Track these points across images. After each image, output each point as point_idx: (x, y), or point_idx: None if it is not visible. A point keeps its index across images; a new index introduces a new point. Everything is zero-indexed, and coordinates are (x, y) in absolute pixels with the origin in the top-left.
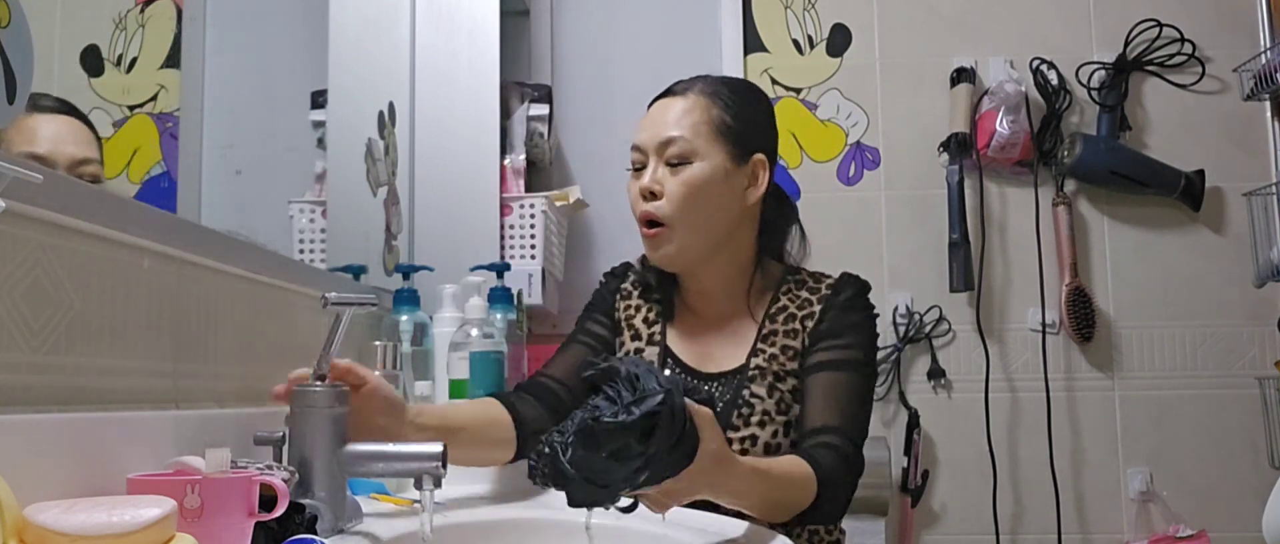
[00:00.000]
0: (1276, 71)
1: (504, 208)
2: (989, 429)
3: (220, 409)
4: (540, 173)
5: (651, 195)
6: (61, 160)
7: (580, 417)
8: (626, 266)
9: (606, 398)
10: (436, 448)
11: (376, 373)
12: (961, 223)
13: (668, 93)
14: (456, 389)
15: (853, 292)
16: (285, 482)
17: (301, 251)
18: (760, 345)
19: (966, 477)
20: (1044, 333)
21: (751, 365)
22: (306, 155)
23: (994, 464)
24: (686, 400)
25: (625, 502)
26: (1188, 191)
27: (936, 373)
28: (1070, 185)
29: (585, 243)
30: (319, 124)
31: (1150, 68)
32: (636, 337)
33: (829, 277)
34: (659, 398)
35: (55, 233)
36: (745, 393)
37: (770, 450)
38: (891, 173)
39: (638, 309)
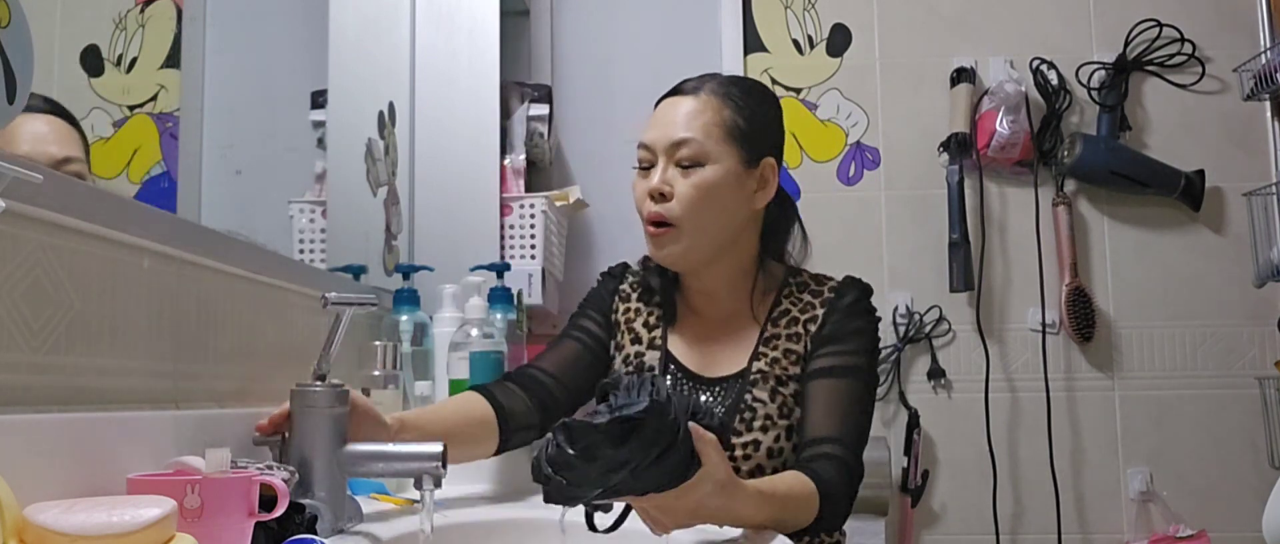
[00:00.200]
0: (1276, 71)
1: (504, 208)
2: (989, 429)
3: (220, 409)
4: (540, 173)
5: (661, 197)
6: (43, 161)
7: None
8: (624, 267)
9: (606, 405)
10: (436, 448)
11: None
12: (961, 223)
13: (677, 91)
14: (456, 389)
15: (855, 296)
16: (285, 482)
17: (301, 252)
18: (762, 349)
19: (966, 477)
20: (1044, 333)
21: (753, 370)
22: (306, 155)
23: (994, 464)
24: (692, 424)
25: (611, 517)
26: (1188, 191)
27: (936, 373)
28: (1070, 185)
29: (585, 243)
30: (319, 124)
31: (1150, 68)
32: (636, 340)
33: (831, 279)
34: (641, 407)
35: (55, 233)
36: (747, 397)
37: (773, 455)
38: (891, 173)
39: (637, 313)
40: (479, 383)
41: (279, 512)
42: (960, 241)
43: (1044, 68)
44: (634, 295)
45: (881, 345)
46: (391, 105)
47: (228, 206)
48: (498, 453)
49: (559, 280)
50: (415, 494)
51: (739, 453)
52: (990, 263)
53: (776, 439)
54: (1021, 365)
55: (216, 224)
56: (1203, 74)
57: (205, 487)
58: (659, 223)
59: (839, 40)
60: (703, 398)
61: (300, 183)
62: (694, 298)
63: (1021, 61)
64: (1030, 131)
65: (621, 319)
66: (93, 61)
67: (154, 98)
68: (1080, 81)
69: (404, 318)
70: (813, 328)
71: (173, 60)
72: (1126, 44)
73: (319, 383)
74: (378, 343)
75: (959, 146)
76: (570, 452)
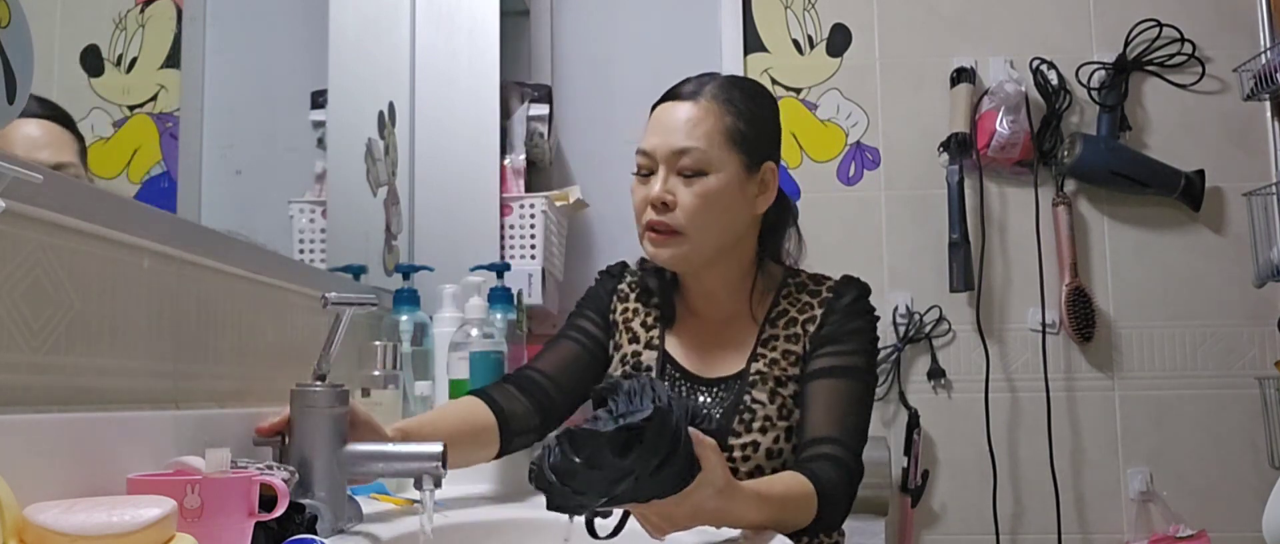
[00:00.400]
0: (1276, 71)
1: (504, 208)
2: (989, 429)
3: (220, 409)
4: (540, 173)
5: (664, 206)
6: None
7: (567, 424)
8: (623, 267)
9: (606, 411)
10: (436, 448)
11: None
12: (961, 223)
13: (675, 95)
14: (456, 389)
15: (854, 296)
16: (285, 482)
17: (301, 252)
18: (761, 350)
19: (966, 477)
20: (1044, 333)
21: (752, 370)
22: (306, 155)
23: (994, 464)
24: (692, 430)
25: (612, 522)
26: (1188, 191)
27: (936, 373)
28: (1070, 185)
29: (585, 243)
30: (319, 124)
31: (1150, 68)
32: (634, 340)
33: (829, 279)
34: (644, 415)
35: (55, 233)
36: (746, 398)
37: (772, 456)
38: (891, 173)
39: (635, 312)
40: (478, 386)
41: (279, 512)
42: (960, 241)
43: (1044, 68)
44: (632, 295)
45: (881, 345)
46: (391, 105)
47: (228, 206)
48: (498, 457)
49: (559, 280)
50: (415, 494)
51: (738, 454)
52: (990, 263)
53: (776, 440)
54: (1021, 365)
55: (216, 224)
56: (1203, 74)
57: (205, 487)
58: (661, 230)
59: (839, 40)
60: (702, 398)
61: (300, 183)
62: (693, 299)
63: (1021, 61)
64: (1030, 131)
65: (619, 319)
66: (93, 61)
67: (154, 98)
68: (1080, 81)
69: (404, 318)
70: (811, 328)
71: (173, 60)
72: (1126, 44)
73: (319, 383)
74: (378, 343)
75: (959, 146)
76: (575, 460)
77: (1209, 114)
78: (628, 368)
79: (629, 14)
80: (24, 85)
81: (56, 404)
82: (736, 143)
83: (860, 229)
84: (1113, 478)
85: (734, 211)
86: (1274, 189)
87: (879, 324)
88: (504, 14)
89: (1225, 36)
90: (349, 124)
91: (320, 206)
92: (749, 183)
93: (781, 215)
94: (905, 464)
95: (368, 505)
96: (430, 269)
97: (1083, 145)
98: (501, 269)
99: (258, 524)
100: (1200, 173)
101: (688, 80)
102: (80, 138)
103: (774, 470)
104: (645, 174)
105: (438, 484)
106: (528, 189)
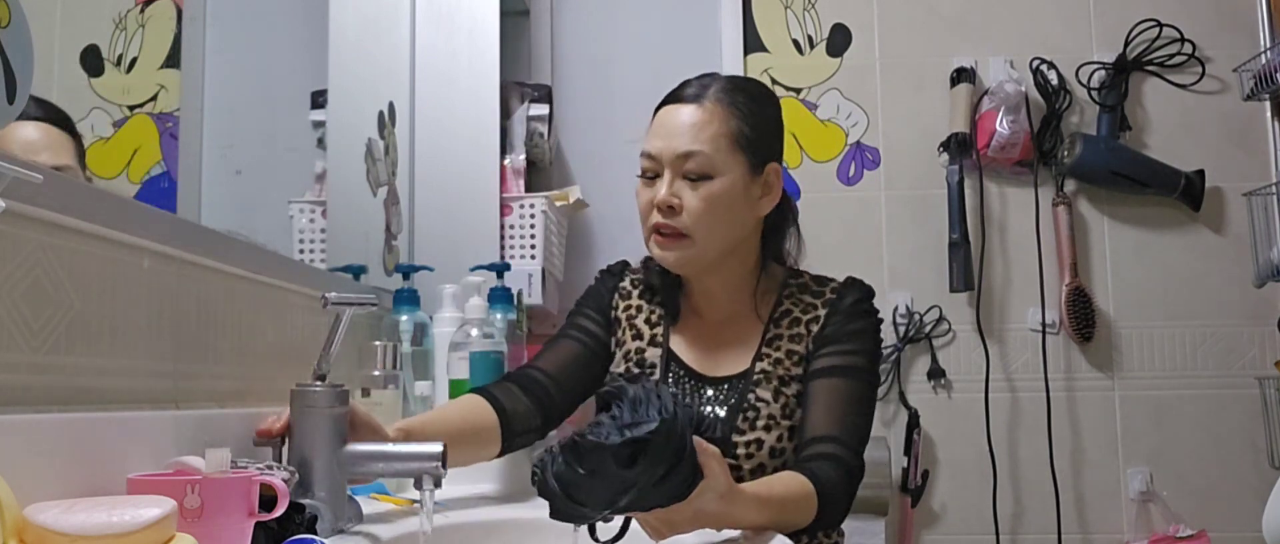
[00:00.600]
0: (1276, 71)
1: (504, 208)
2: (989, 429)
3: (220, 409)
4: (540, 173)
5: (670, 209)
6: None
7: (572, 431)
8: (624, 265)
9: (610, 417)
10: (436, 448)
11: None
12: (961, 223)
13: (679, 98)
14: (456, 389)
15: (857, 297)
16: (285, 482)
17: (301, 252)
18: (765, 349)
19: (966, 477)
20: (1044, 333)
21: (757, 369)
22: (306, 155)
23: (994, 464)
24: (696, 438)
25: (615, 526)
26: (1188, 191)
27: (936, 373)
28: (1070, 185)
29: (585, 243)
30: (319, 124)
31: (1150, 68)
32: (638, 336)
33: (833, 280)
34: (651, 427)
35: (55, 233)
36: (751, 397)
37: (775, 454)
38: (891, 173)
39: (639, 309)
40: (479, 384)
41: (279, 512)
42: (960, 241)
43: (1044, 68)
44: (635, 293)
45: (882, 346)
46: (391, 105)
47: (228, 206)
48: (500, 455)
49: (559, 280)
50: (416, 494)
51: (742, 451)
52: (990, 263)
53: (779, 439)
54: (1021, 365)
55: (216, 224)
56: (1203, 74)
57: (205, 487)
58: (667, 232)
59: (839, 40)
60: (708, 392)
61: (300, 183)
62: (696, 298)
63: (1021, 61)
64: (1030, 131)
65: (622, 315)
66: (93, 61)
67: (154, 98)
68: (1080, 81)
69: (404, 318)
70: (815, 328)
71: (173, 60)
72: (1126, 44)
73: (319, 383)
74: (378, 343)
75: (959, 146)
76: (579, 471)
77: (1209, 114)
78: (631, 365)
79: (629, 14)
80: (24, 85)
81: (56, 404)
82: (741, 145)
83: (860, 229)
84: (1113, 478)
85: (739, 214)
86: (1274, 189)
87: (882, 326)
88: (504, 14)
89: (1225, 36)
90: (349, 124)
91: (320, 206)
92: (753, 185)
93: (783, 215)
94: (905, 464)
95: (368, 505)
96: (430, 269)
97: (1083, 145)
98: (501, 269)
99: (258, 524)
100: (1200, 173)
101: (690, 82)
102: (78, 140)
103: (777, 469)
104: (650, 176)
105: (438, 484)
106: (528, 189)
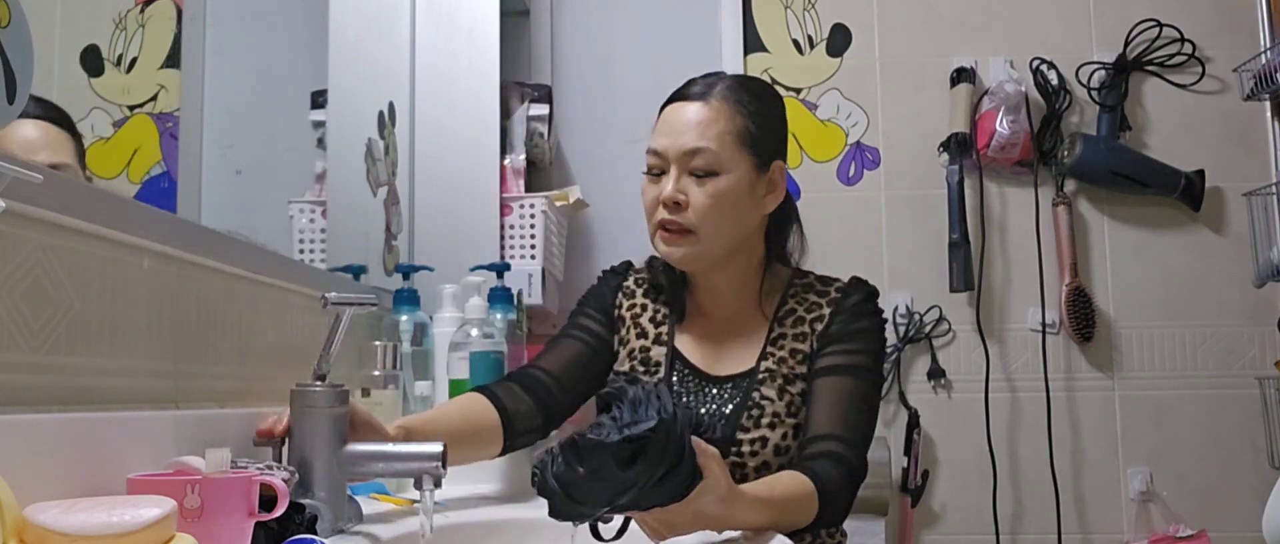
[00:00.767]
0: (1276, 71)
1: (504, 208)
2: (989, 429)
3: (220, 409)
4: (540, 173)
5: (676, 205)
6: None
7: (573, 432)
8: (628, 265)
9: (610, 418)
10: (436, 448)
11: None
12: (961, 223)
13: (685, 96)
14: (456, 389)
15: (861, 297)
16: (285, 482)
17: (301, 251)
18: (770, 348)
19: (966, 477)
20: (1044, 333)
21: (762, 368)
22: (306, 155)
23: (994, 464)
24: (696, 439)
25: (615, 525)
26: (1188, 191)
27: (936, 373)
28: (1070, 185)
29: (585, 243)
30: (319, 124)
31: (1150, 68)
32: (643, 335)
33: (837, 280)
34: (649, 425)
35: (55, 233)
36: (755, 395)
37: (779, 452)
38: (891, 173)
39: (644, 308)
40: (479, 384)
41: (279, 512)
42: (960, 241)
43: (1044, 68)
44: (639, 291)
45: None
46: (391, 105)
47: (228, 206)
48: (501, 454)
49: (559, 280)
50: (416, 494)
51: (746, 449)
52: (990, 263)
53: (784, 437)
54: (1021, 365)
55: (216, 224)
56: (1203, 74)
57: (205, 487)
58: (673, 229)
59: (839, 40)
60: (713, 391)
61: (300, 183)
62: (701, 297)
63: (1021, 61)
64: (1030, 131)
65: (626, 314)
66: (93, 61)
67: (154, 98)
68: (1080, 81)
69: (404, 318)
70: (819, 327)
71: (173, 60)
72: (1126, 44)
73: (319, 383)
74: (378, 343)
75: (959, 146)
76: (579, 470)
77: (1209, 114)
78: (636, 364)
79: (629, 14)
80: (24, 85)
81: (56, 404)
82: (747, 143)
83: (860, 229)
84: (1113, 478)
85: (744, 211)
86: (1274, 189)
87: (886, 326)
88: (504, 14)
89: (1225, 36)
90: (349, 124)
91: (320, 206)
92: (759, 183)
93: (786, 213)
94: (905, 464)
95: (368, 505)
96: (430, 269)
97: (1083, 145)
98: (501, 269)
99: (258, 524)
100: (1200, 173)
101: (696, 80)
102: (78, 138)
103: (781, 467)
104: (656, 174)
105: (438, 484)
106: (528, 189)
